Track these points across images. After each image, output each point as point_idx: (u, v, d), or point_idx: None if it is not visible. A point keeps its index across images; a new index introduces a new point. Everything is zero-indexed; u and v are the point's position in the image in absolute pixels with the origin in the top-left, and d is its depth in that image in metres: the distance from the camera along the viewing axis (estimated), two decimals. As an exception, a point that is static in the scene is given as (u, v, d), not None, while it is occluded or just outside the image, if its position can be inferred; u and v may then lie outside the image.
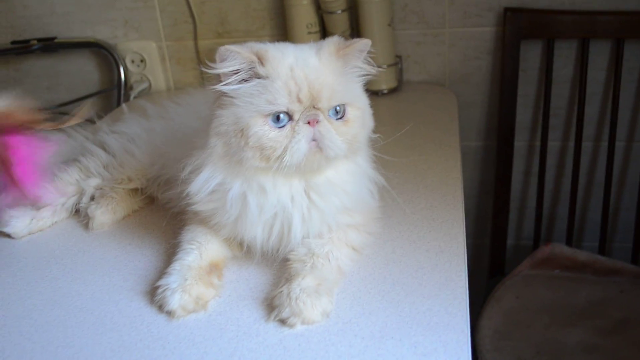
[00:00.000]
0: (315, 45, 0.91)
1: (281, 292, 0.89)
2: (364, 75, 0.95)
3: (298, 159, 0.86)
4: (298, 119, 0.87)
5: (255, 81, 0.87)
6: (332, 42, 0.91)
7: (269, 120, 0.86)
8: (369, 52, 0.93)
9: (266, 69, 0.86)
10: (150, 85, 1.95)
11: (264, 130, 0.86)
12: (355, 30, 1.72)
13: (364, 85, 0.98)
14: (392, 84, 1.74)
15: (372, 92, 1.73)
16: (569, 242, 1.76)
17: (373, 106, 1.65)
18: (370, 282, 0.94)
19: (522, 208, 1.93)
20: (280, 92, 0.85)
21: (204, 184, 0.92)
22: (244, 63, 0.86)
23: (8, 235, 1.16)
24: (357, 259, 0.98)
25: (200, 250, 0.98)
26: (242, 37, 1.84)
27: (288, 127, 0.87)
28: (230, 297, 0.94)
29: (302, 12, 1.68)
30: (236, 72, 0.87)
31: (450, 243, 1.02)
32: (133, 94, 1.93)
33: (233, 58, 0.85)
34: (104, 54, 1.95)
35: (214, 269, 0.97)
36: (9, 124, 0.88)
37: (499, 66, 1.75)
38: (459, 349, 0.79)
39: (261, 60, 0.86)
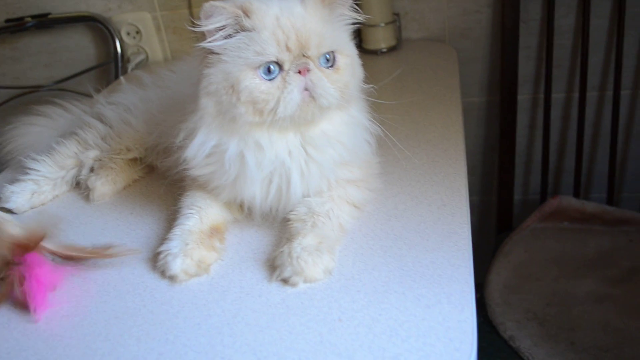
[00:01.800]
0: None
1: (282, 251, 0.88)
2: (350, 23, 0.93)
3: (292, 110, 0.85)
4: (288, 69, 0.85)
5: (242, 34, 0.85)
6: None
7: (260, 73, 0.85)
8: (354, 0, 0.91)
9: (252, 21, 0.85)
10: (147, 56, 1.94)
11: (255, 83, 0.85)
12: (351, -11, 1.69)
13: (358, 40, 0.96)
14: (391, 42, 1.72)
15: (371, 51, 1.71)
16: (576, 194, 1.74)
17: (373, 65, 1.64)
18: (372, 238, 0.93)
19: (528, 162, 1.91)
20: (269, 42, 0.84)
21: (200, 147, 0.91)
22: (229, 18, 0.84)
23: (10, 211, 1.15)
24: (358, 216, 0.98)
25: (201, 214, 0.97)
26: (236, 2, 1.81)
27: (279, 78, 0.85)
28: (233, 260, 0.93)
29: (296, -27, 1.65)
30: (222, 28, 0.85)
31: (452, 196, 1.00)
32: (130, 66, 1.92)
33: (219, 14, 0.84)
34: (100, 28, 1.93)
35: (215, 232, 0.96)
36: (33, 246, 0.90)
37: (499, 19, 1.71)
38: (463, 299, 0.79)
39: (246, 13, 0.84)
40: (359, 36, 1.73)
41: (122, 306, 0.87)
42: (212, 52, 0.87)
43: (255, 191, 0.93)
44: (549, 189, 1.85)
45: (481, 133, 1.89)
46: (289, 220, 0.94)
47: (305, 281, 0.85)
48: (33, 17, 1.93)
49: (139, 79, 1.36)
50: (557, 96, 1.77)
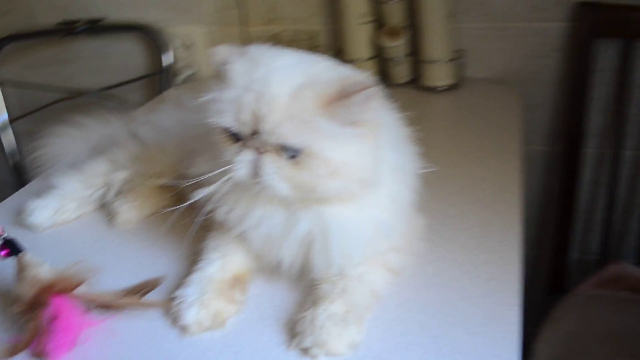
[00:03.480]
0: (314, 73, 0.77)
1: (305, 317, 0.79)
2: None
3: (239, 181, 0.78)
4: (246, 141, 0.77)
5: (219, 89, 0.78)
6: (330, 87, 0.74)
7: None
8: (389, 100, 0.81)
9: (227, 81, 0.77)
10: (196, 71, 1.88)
11: (219, 137, 0.79)
12: (412, 22, 1.60)
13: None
14: (451, 80, 1.62)
15: (429, 88, 1.62)
16: (639, 261, 1.61)
17: (429, 104, 1.54)
18: (407, 309, 0.83)
19: (588, 220, 1.77)
20: (227, 108, 0.76)
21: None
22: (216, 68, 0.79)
23: (31, 227, 1.09)
24: (394, 281, 0.88)
25: (224, 260, 0.89)
26: (291, 24, 1.76)
27: (239, 144, 0.78)
28: (252, 316, 0.85)
29: (355, 0, 1.57)
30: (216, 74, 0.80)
31: (503, 269, 0.90)
32: (178, 79, 1.87)
33: (211, 61, 0.80)
34: (151, 38, 1.89)
35: (238, 282, 0.87)
36: (60, 289, 0.82)
37: (569, 65, 1.60)
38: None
39: (223, 74, 0.78)
40: (417, 70, 1.64)
41: (125, 354, 0.80)
42: None
43: (282, 254, 0.84)
44: (609, 251, 1.71)
45: (540, 184, 1.77)
46: (317, 278, 0.85)
47: (327, 354, 0.75)
48: (87, 21, 1.90)
49: (179, 99, 1.30)
50: (627, 153, 1.64)
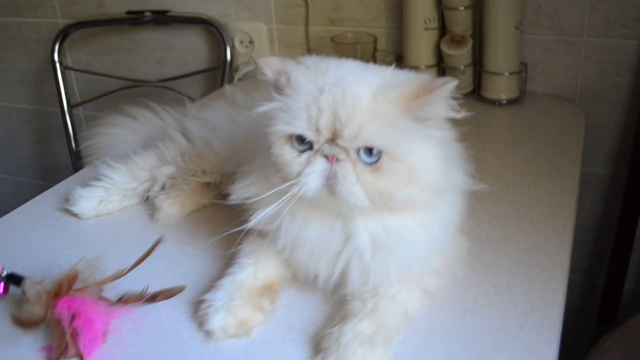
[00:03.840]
0: (386, 75, 0.76)
1: (331, 333, 0.76)
2: (439, 122, 0.76)
3: (308, 194, 0.74)
4: (317, 150, 0.74)
5: (283, 98, 0.75)
6: (410, 86, 0.73)
7: (292, 140, 0.75)
8: (454, 97, 0.75)
9: (290, 86, 0.75)
10: (256, 67, 1.88)
11: (283, 150, 0.75)
12: (478, 30, 1.55)
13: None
14: (513, 94, 1.56)
15: (489, 101, 1.57)
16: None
17: (488, 117, 1.49)
18: (439, 334, 0.79)
19: (648, 250, 1.69)
20: (299, 115, 0.73)
21: (241, 191, 0.85)
22: (272, 75, 0.77)
23: (75, 215, 1.11)
24: (428, 303, 0.84)
25: (257, 267, 0.87)
26: (355, 26, 1.73)
27: (307, 154, 0.74)
28: (278, 326, 0.83)
29: (421, 5, 1.54)
30: (273, 84, 0.77)
31: (545, 301, 0.84)
32: (238, 75, 1.87)
33: (263, 71, 0.77)
34: (214, 32, 1.90)
35: (268, 290, 0.85)
36: (58, 291, 0.82)
37: (640, 86, 1.52)
38: None
39: (283, 83, 0.76)
40: (478, 81, 1.59)
41: (149, 354, 0.79)
42: None
43: (321, 267, 0.82)
44: (668, 285, 1.63)
45: (598, 207, 1.68)
46: (349, 294, 0.83)
47: (349, 375, 0.73)
48: (153, 12, 1.92)
49: (233, 97, 1.29)
50: (697, 183, 1.54)
